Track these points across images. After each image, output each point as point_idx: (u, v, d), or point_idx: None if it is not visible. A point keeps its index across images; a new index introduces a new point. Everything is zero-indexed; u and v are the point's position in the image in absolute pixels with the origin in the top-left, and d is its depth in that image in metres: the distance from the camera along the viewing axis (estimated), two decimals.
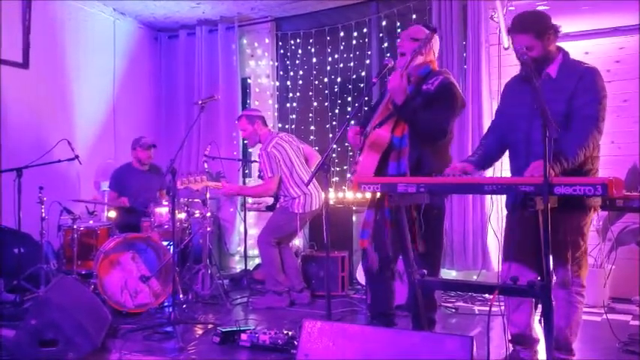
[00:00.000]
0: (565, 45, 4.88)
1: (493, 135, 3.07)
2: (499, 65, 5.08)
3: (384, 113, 3.17)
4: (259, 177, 4.81)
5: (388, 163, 3.10)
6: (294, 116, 6.27)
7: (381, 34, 5.82)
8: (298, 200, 4.60)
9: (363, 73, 5.91)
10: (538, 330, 3.01)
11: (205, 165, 4.89)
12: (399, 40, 3.25)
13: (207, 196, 4.91)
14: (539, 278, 2.68)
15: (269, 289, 4.69)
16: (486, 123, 5.01)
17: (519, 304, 2.95)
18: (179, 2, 5.94)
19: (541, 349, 3.00)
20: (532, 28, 2.77)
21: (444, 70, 3.34)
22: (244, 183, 5.82)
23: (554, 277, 2.79)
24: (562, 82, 2.74)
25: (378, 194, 3.13)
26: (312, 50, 6.17)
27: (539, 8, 4.70)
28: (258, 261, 5.99)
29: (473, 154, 3.07)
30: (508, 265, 2.93)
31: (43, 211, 4.46)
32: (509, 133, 2.95)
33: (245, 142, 6.45)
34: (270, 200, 4.88)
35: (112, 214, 5.23)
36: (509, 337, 2.99)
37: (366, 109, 4.73)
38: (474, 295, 4.80)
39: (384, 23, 5.76)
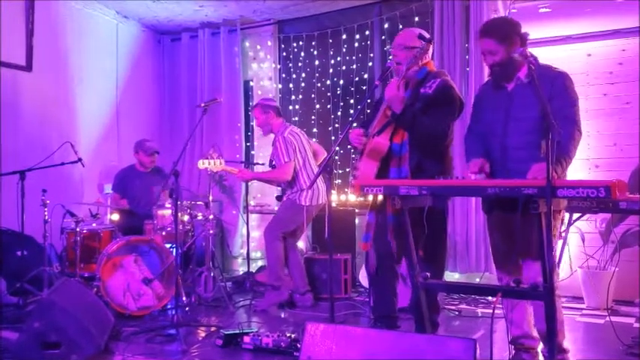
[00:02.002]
0: (567, 47, 4.92)
1: (476, 138, 3.08)
2: None
3: (383, 120, 3.18)
4: (271, 166, 4.81)
5: (389, 169, 3.11)
6: (296, 119, 6.27)
7: (383, 37, 5.82)
8: (306, 192, 4.60)
9: (366, 76, 5.91)
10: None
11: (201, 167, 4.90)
12: (391, 49, 3.25)
13: (210, 198, 4.92)
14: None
15: (268, 285, 4.70)
16: None
17: (515, 304, 2.97)
18: (182, 5, 5.95)
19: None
20: (494, 33, 2.84)
21: (441, 71, 3.35)
22: (246, 185, 5.83)
23: (525, 279, 2.82)
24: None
25: (380, 197, 3.14)
26: (315, 53, 6.18)
27: (542, 10, 4.73)
28: (261, 263, 6.01)
29: (474, 151, 3.05)
30: (498, 272, 2.99)
31: (46, 213, 4.47)
32: (487, 138, 2.98)
33: (247, 144, 6.52)
34: (279, 190, 4.87)
35: (115, 216, 5.24)
36: (510, 339, 3.00)
37: (368, 111, 4.75)
38: (477, 297, 4.80)
39: (386, 26, 5.76)
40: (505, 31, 2.83)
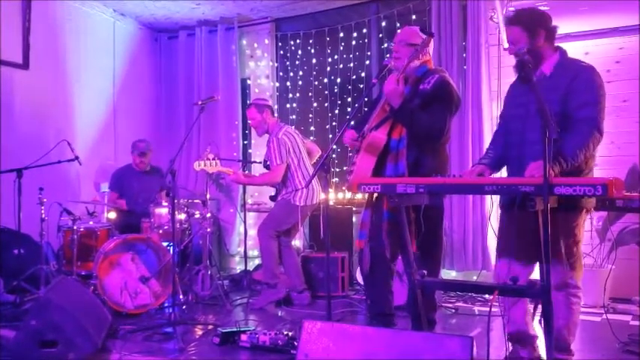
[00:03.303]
0: (565, 45, 4.89)
1: (500, 138, 3.07)
2: (499, 66, 5.08)
3: (381, 115, 3.18)
4: (265, 166, 4.82)
5: (386, 165, 3.10)
6: (293, 117, 6.27)
7: (380, 35, 5.82)
8: (301, 192, 4.60)
9: (363, 74, 5.92)
10: (536, 327, 3.01)
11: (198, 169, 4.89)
12: (393, 45, 3.25)
13: (208, 196, 4.92)
14: (532, 277, 2.68)
15: (264, 283, 4.71)
16: (486, 123, 5.02)
17: (516, 301, 2.96)
18: (179, 3, 5.94)
19: (540, 347, 3.01)
20: (521, 22, 2.79)
21: (440, 68, 3.35)
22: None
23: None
24: (556, 80, 2.72)
25: (375, 195, 3.14)
26: (312, 51, 6.18)
27: (540, 9, 4.72)
28: (258, 262, 6.00)
29: (485, 157, 3.05)
30: (503, 262, 2.94)
31: (43, 211, 4.46)
32: (508, 135, 2.96)
33: (245, 142, 6.51)
34: (273, 190, 4.88)
35: (112, 215, 5.23)
36: (508, 336, 2.99)
37: (365, 109, 4.75)
38: (474, 295, 4.80)
39: (383, 24, 5.76)
40: (530, 22, 2.77)
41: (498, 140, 3.07)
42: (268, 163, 4.69)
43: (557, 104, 2.64)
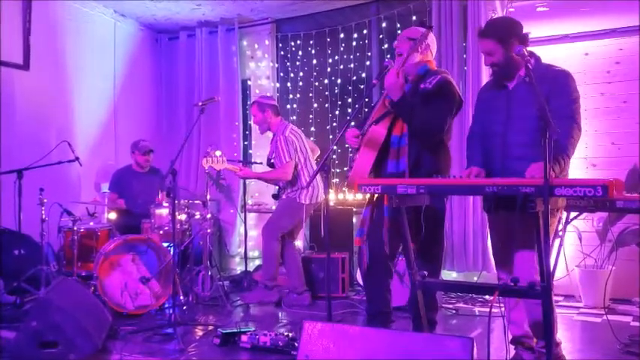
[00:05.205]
0: (564, 46, 4.93)
1: (476, 144, 3.08)
2: None
3: (381, 110, 3.18)
4: (269, 164, 4.81)
5: (387, 161, 3.10)
6: (294, 118, 6.27)
7: (381, 36, 5.83)
8: (306, 191, 4.61)
9: (364, 75, 5.92)
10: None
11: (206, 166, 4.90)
12: (396, 42, 3.26)
13: (208, 197, 4.92)
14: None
15: (260, 282, 4.73)
16: None
17: (516, 304, 2.97)
18: (179, 4, 5.94)
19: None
20: (493, 34, 2.84)
21: (442, 69, 3.35)
22: (244, 184, 5.83)
23: (516, 269, 2.82)
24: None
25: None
26: (313, 52, 6.18)
27: (539, 9, 4.74)
28: (258, 262, 6.00)
29: (473, 160, 3.06)
30: (502, 273, 2.99)
31: (43, 212, 4.45)
32: (486, 138, 2.99)
33: (245, 143, 6.52)
34: (275, 189, 4.88)
35: (113, 215, 5.23)
36: (510, 339, 2.99)
37: (366, 110, 4.75)
38: (475, 296, 4.81)
39: (384, 25, 5.76)
40: (503, 32, 2.82)
41: (477, 141, 3.08)
42: (272, 160, 4.69)
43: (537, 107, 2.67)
